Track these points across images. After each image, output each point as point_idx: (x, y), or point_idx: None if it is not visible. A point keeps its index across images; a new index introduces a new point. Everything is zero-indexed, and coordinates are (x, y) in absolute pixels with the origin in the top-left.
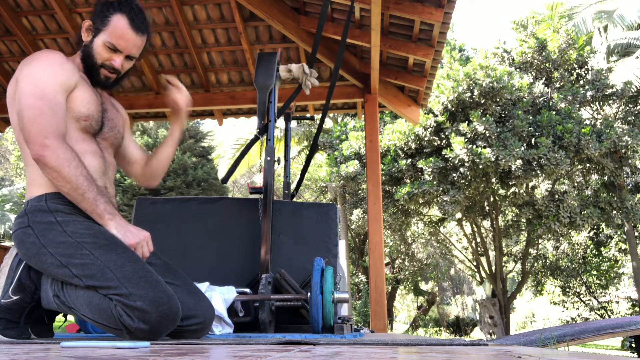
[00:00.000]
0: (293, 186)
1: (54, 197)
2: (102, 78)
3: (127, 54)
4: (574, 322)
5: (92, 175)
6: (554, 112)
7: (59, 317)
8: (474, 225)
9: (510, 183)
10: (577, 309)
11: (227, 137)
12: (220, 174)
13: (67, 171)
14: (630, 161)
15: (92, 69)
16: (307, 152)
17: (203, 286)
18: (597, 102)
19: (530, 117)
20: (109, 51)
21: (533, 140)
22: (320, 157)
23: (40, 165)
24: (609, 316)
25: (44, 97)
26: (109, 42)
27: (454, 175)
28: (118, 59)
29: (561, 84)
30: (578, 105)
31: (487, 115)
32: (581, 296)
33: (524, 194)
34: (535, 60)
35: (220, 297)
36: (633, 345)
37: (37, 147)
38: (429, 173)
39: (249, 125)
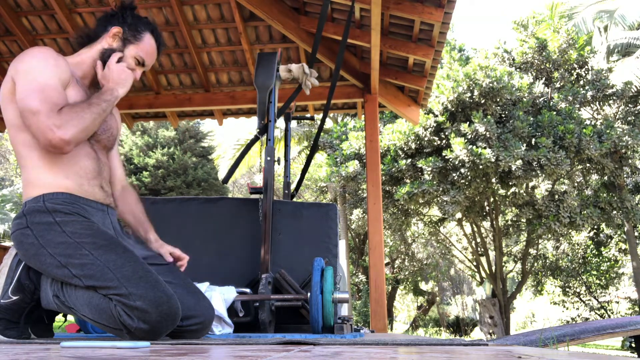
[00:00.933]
0: (293, 186)
1: (52, 198)
2: None
3: (144, 69)
4: (574, 322)
5: (86, 100)
6: (554, 113)
7: (59, 317)
8: (474, 226)
9: (510, 183)
10: (577, 309)
11: (227, 137)
12: (221, 174)
13: (84, 122)
14: (630, 161)
15: None
16: (307, 152)
17: (203, 286)
18: (597, 102)
19: (531, 118)
20: (136, 64)
21: (533, 140)
22: (320, 157)
23: (68, 148)
24: (609, 316)
25: (45, 90)
26: (141, 57)
27: (454, 175)
28: (139, 72)
29: (561, 84)
30: (578, 106)
31: (488, 116)
32: (581, 296)
33: (524, 194)
34: (536, 61)
35: (220, 297)
36: (633, 345)
37: (49, 134)
38: (429, 173)
39: (249, 125)
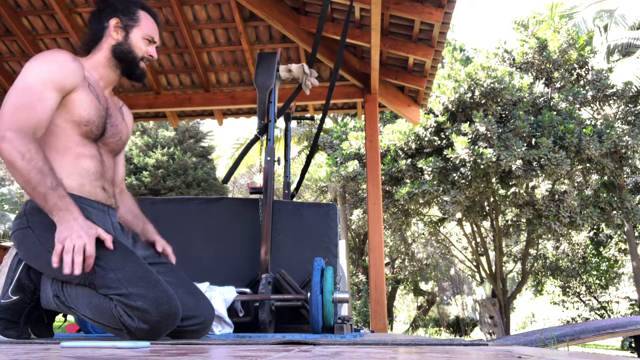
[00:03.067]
0: (293, 186)
1: None
2: (142, 70)
3: (157, 45)
4: (574, 322)
5: (52, 170)
6: (554, 113)
7: (59, 317)
8: (474, 225)
9: (510, 183)
10: (577, 309)
11: (227, 137)
12: (220, 174)
13: (20, 164)
14: (630, 161)
15: (134, 62)
16: (307, 152)
17: (203, 286)
18: (597, 102)
19: (531, 118)
20: (147, 43)
21: (534, 140)
22: (320, 157)
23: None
24: (609, 316)
25: (27, 92)
26: (149, 35)
27: (454, 175)
28: (154, 49)
29: (561, 84)
30: (578, 106)
31: (489, 116)
32: (581, 296)
33: (524, 194)
34: (536, 61)
35: (220, 297)
36: (633, 345)
37: None
38: (429, 173)
39: (249, 125)
